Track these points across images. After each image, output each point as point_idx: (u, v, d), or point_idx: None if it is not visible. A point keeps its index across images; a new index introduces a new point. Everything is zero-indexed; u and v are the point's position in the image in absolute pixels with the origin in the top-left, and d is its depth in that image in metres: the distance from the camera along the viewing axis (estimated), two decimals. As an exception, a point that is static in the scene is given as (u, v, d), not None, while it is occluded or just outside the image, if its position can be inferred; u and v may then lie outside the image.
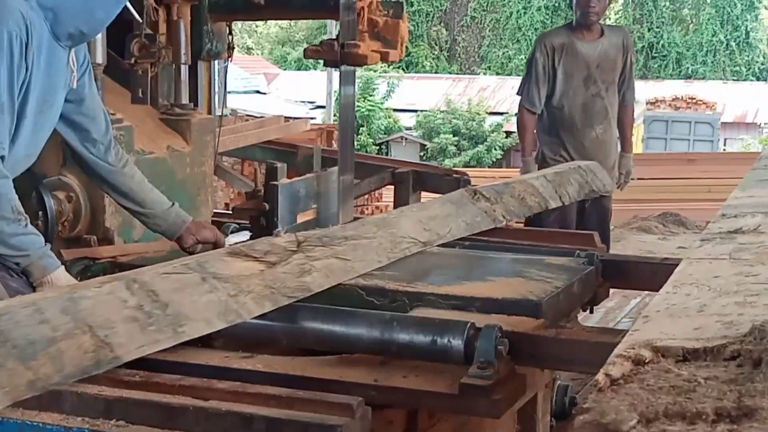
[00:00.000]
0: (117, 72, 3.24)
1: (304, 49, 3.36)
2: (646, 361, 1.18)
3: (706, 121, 21.99)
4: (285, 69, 29.98)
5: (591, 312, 3.00)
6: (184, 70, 3.43)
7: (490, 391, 1.92)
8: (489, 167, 19.89)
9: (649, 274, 2.87)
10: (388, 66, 22.54)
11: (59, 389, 1.85)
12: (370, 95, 23.18)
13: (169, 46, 3.32)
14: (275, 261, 2.20)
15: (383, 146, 22.84)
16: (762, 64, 31.00)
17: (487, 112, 23.21)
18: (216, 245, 2.77)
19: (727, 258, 1.78)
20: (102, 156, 2.73)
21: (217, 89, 4.02)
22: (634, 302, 5.67)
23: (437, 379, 2.01)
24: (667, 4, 31.12)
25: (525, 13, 30.37)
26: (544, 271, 2.65)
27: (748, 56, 30.85)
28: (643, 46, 30.75)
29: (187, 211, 3.33)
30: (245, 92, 22.09)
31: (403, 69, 27.48)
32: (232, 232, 3.21)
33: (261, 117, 8.78)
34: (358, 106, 20.74)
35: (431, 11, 31.30)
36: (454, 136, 22.38)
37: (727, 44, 30.86)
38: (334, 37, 3.28)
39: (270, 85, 25.85)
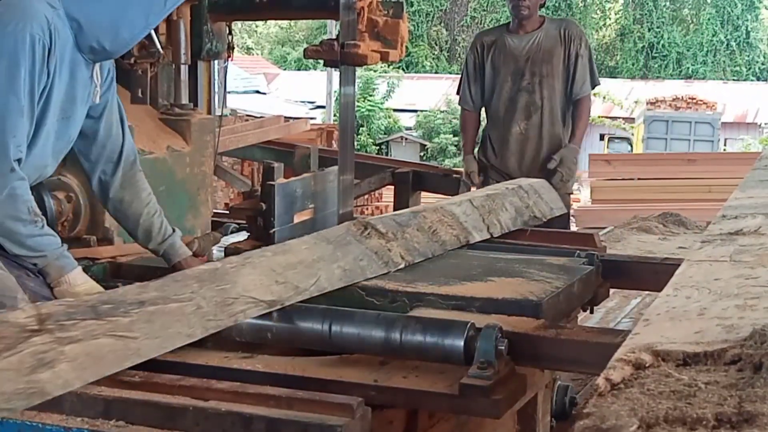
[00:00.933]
0: (117, 72, 3.23)
1: (304, 49, 3.35)
2: (647, 365, 1.17)
3: (707, 121, 21.99)
4: (285, 69, 29.99)
5: (591, 312, 3.00)
6: (184, 70, 3.42)
7: (490, 391, 1.91)
8: (489, 167, 19.87)
9: (650, 275, 2.86)
10: (388, 66, 22.55)
11: (58, 390, 1.85)
12: (370, 95, 23.19)
13: (169, 46, 3.31)
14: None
15: (383, 146, 22.85)
16: (762, 64, 31.01)
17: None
18: None
19: (728, 260, 1.78)
20: (107, 176, 2.70)
21: (216, 89, 4.02)
22: (635, 302, 5.66)
23: (437, 380, 2.01)
24: (668, 4, 31.12)
25: (525, 12, 30.34)
26: (544, 271, 2.65)
27: (748, 56, 30.86)
28: (644, 46, 30.77)
29: (186, 210, 3.34)
30: (245, 92, 22.10)
31: (403, 69, 27.49)
32: (231, 232, 3.21)
33: (261, 117, 8.79)
34: (358, 106, 20.74)
35: (431, 11, 31.31)
36: (454, 136, 22.39)
37: (727, 44, 30.87)
38: (334, 37, 3.28)
39: (270, 85, 25.86)
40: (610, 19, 31.67)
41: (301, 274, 2.28)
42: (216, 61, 3.92)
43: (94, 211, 3.00)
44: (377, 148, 22.30)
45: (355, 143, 4.70)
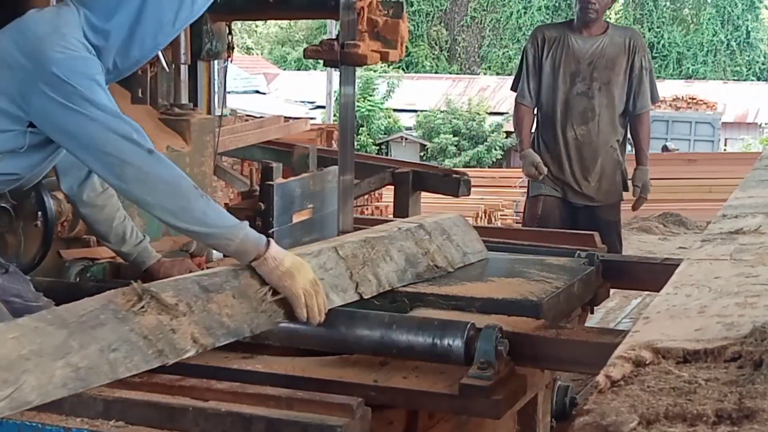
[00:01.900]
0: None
1: (304, 49, 3.35)
2: (647, 362, 1.17)
3: (707, 121, 21.99)
4: (285, 69, 29.99)
5: (591, 312, 3.00)
6: (184, 70, 3.42)
7: (490, 391, 1.91)
8: (489, 167, 19.89)
9: (650, 275, 2.86)
10: (388, 66, 22.55)
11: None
12: (370, 95, 23.19)
13: (169, 46, 3.31)
14: None
15: (383, 146, 22.84)
16: (763, 64, 31.01)
17: (487, 112, 23.21)
18: None
19: (728, 259, 1.78)
20: (80, 180, 2.68)
21: (216, 89, 4.02)
22: (635, 302, 5.67)
23: (437, 380, 2.01)
24: (668, 3, 31.13)
25: (525, 12, 30.37)
26: (545, 272, 2.65)
27: (748, 56, 30.86)
28: (644, 46, 30.73)
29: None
30: (245, 92, 22.10)
31: (403, 69, 27.49)
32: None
33: (261, 117, 8.78)
34: (358, 106, 20.74)
35: (431, 11, 31.31)
36: (454, 136, 22.39)
37: (727, 44, 30.87)
38: (334, 37, 3.28)
39: (270, 85, 25.86)
40: (610, 18, 31.61)
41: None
42: (216, 61, 3.92)
43: (93, 212, 3.00)
44: (377, 148, 22.30)
45: (355, 143, 4.69)
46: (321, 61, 3.36)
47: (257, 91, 23.74)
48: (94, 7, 2.36)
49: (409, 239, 2.61)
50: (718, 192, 10.03)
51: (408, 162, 6.06)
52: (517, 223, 10.26)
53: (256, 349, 2.21)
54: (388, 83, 24.26)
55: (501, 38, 30.94)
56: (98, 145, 2.24)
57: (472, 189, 5.54)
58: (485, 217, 10.37)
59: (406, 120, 23.99)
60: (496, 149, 22.00)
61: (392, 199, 5.33)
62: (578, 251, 2.92)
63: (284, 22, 30.02)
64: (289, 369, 2.06)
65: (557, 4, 29.77)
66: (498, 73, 29.04)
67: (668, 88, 24.12)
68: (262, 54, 32.45)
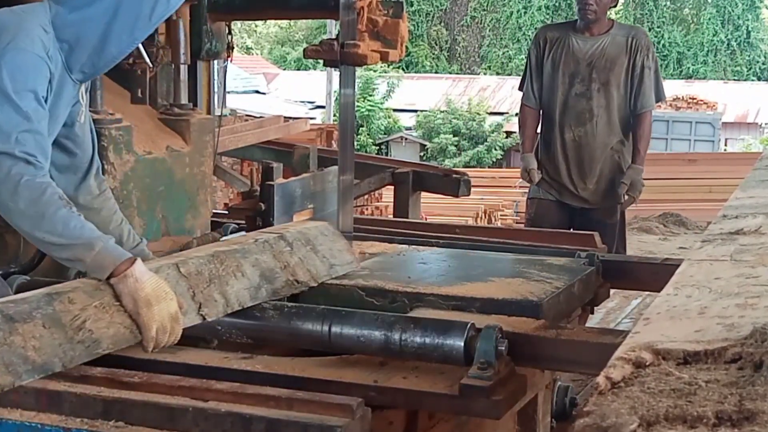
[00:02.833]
0: (116, 72, 3.22)
1: (304, 49, 3.35)
2: (647, 363, 1.17)
3: (707, 121, 21.99)
4: (284, 69, 29.99)
5: (591, 312, 2.99)
6: (184, 70, 3.42)
7: (490, 391, 1.91)
8: (489, 167, 19.89)
9: (650, 275, 2.86)
10: (388, 66, 22.55)
11: (57, 390, 1.85)
12: (370, 95, 23.19)
13: (168, 45, 3.31)
14: None
15: (383, 146, 22.84)
16: (763, 63, 31.01)
17: (487, 112, 23.21)
18: None
19: (728, 259, 1.78)
20: (77, 183, 2.67)
21: (216, 89, 4.01)
22: (635, 303, 5.67)
23: (437, 380, 2.01)
24: (668, 3, 31.13)
25: (525, 12, 30.38)
26: (545, 272, 2.65)
27: (749, 56, 30.86)
28: (644, 46, 30.72)
29: (186, 211, 3.33)
30: (245, 92, 22.10)
31: (403, 69, 27.49)
32: (231, 232, 3.20)
33: (260, 117, 8.78)
34: (358, 106, 20.74)
35: (431, 11, 31.31)
36: (454, 136, 22.38)
37: (728, 44, 30.87)
38: (333, 36, 3.28)
39: (269, 85, 25.86)
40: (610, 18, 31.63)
41: None
42: (215, 61, 3.92)
43: (93, 212, 2.99)
44: (377, 148, 22.30)
45: (355, 143, 4.68)
46: (321, 61, 3.36)
47: (257, 91, 23.74)
48: (67, 1, 2.37)
49: (266, 252, 2.38)
50: (719, 192, 10.04)
51: (408, 162, 6.06)
52: (517, 223, 10.26)
53: (256, 350, 2.21)
54: (388, 83, 24.27)
55: (501, 38, 30.95)
56: None
57: (472, 189, 5.54)
58: (485, 217, 10.37)
59: (406, 120, 23.99)
60: (496, 149, 22.00)
61: (392, 199, 5.33)
62: (578, 251, 2.92)
63: (284, 22, 30.03)
64: (288, 369, 2.06)
65: (557, 4, 29.77)
66: (498, 73, 29.04)
67: (668, 88, 24.01)
68: (261, 54, 32.45)
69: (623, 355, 1.19)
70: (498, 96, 24.63)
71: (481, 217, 10.25)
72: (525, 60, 5.15)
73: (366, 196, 8.10)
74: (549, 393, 2.74)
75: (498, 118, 22.71)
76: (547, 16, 29.43)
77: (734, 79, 29.01)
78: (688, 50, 30.83)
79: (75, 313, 1.91)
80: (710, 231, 2.10)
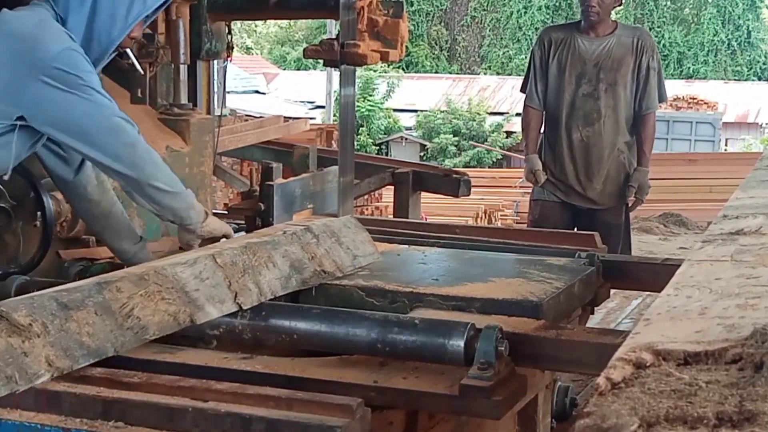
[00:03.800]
0: (116, 72, 3.23)
1: (304, 49, 3.35)
2: (647, 364, 1.17)
3: (708, 121, 21.99)
4: (284, 69, 29.99)
5: (592, 313, 2.99)
6: (183, 70, 3.42)
7: (490, 392, 1.91)
8: (489, 168, 19.89)
9: (650, 275, 2.86)
10: (388, 66, 22.55)
11: (57, 390, 1.85)
12: (370, 95, 23.19)
13: (168, 45, 3.31)
14: None
15: (383, 146, 22.84)
16: (764, 63, 31.00)
17: (487, 112, 23.22)
18: None
19: (729, 260, 1.77)
20: (71, 173, 2.69)
21: (216, 89, 4.01)
22: (635, 303, 5.67)
23: (437, 380, 2.01)
24: (668, 3, 31.13)
25: (525, 12, 30.37)
26: (545, 272, 2.65)
27: (749, 56, 30.86)
28: (644, 46, 30.71)
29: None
30: (244, 92, 22.09)
31: (403, 69, 27.49)
32: (231, 232, 3.20)
33: (260, 117, 8.78)
34: (358, 106, 20.74)
35: (431, 11, 31.31)
36: (454, 136, 22.38)
37: (728, 44, 30.87)
38: (333, 36, 3.27)
39: (269, 85, 25.85)
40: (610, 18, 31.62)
41: None
42: (215, 61, 3.91)
43: (93, 212, 2.99)
44: (377, 148, 22.30)
45: (355, 143, 4.67)
46: (321, 61, 3.36)
47: (257, 91, 23.74)
48: (58, 4, 2.42)
49: (294, 243, 2.48)
50: (719, 192, 10.04)
51: (408, 162, 6.06)
52: (517, 223, 10.26)
53: (256, 350, 2.20)
54: (388, 83, 24.27)
55: (501, 38, 30.94)
56: (107, 130, 2.39)
57: (472, 189, 5.53)
58: (485, 217, 10.37)
59: (406, 120, 23.99)
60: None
61: (392, 200, 5.33)
62: (579, 251, 2.92)
63: (284, 22, 30.03)
64: (288, 369, 2.06)
65: (558, 4, 29.77)
66: (498, 73, 29.04)
67: (669, 88, 23.98)
68: (261, 54, 32.45)
69: (623, 356, 1.18)
70: (498, 96, 24.63)
71: (481, 217, 10.25)
72: (528, 61, 5.11)
73: (366, 196, 8.10)
74: (549, 393, 2.73)
75: (498, 118, 22.71)
76: (548, 16, 29.43)
77: (735, 79, 29.00)
78: (689, 50, 30.82)
79: (123, 301, 2.00)
80: (710, 231, 2.10)
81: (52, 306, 1.89)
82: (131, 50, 2.73)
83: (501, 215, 10.80)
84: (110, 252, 2.84)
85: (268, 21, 24.50)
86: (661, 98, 4.97)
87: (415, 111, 24.06)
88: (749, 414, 1.02)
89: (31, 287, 2.44)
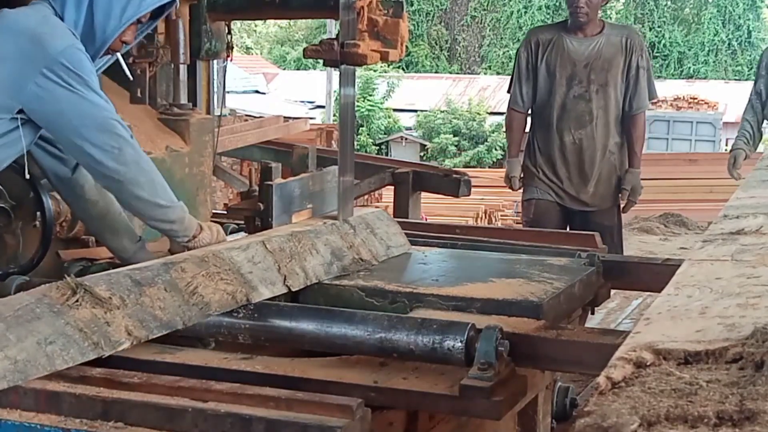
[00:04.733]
0: (115, 72, 3.23)
1: (304, 49, 3.34)
2: (648, 363, 1.17)
3: (708, 121, 21.96)
4: (284, 69, 29.99)
5: (592, 313, 2.99)
6: (183, 70, 3.42)
7: (490, 392, 1.91)
8: (489, 167, 19.88)
9: (651, 275, 2.86)
10: (388, 66, 22.56)
11: (56, 390, 1.84)
12: (370, 95, 23.20)
13: (168, 45, 3.30)
14: None
15: (383, 146, 22.84)
16: (763, 63, 30.95)
17: (487, 112, 23.21)
18: None
19: (729, 259, 1.77)
20: (68, 172, 2.69)
21: (215, 89, 4.01)
22: (636, 303, 5.66)
23: (437, 381, 2.01)
24: (669, 3, 31.13)
25: (526, 12, 30.36)
26: (545, 272, 2.65)
27: (750, 56, 30.83)
28: (644, 46, 30.72)
29: (186, 211, 3.32)
30: (244, 92, 22.09)
31: (403, 69, 27.50)
32: (231, 232, 3.19)
33: (260, 117, 8.78)
34: (358, 106, 20.75)
35: (431, 10, 31.31)
36: (454, 136, 22.38)
37: (728, 44, 30.87)
38: (333, 36, 3.27)
39: (269, 84, 25.85)
40: (611, 18, 31.65)
41: None
42: (215, 61, 3.91)
43: (92, 212, 2.99)
44: (377, 148, 22.30)
45: (355, 143, 4.66)
46: (321, 61, 3.35)
47: (257, 91, 23.74)
48: (56, 1, 2.46)
49: (334, 233, 2.67)
50: (719, 192, 10.02)
51: (408, 162, 6.06)
52: (517, 223, 10.25)
53: (256, 350, 2.20)
54: (388, 83, 24.27)
55: (501, 38, 30.93)
56: (101, 128, 2.40)
57: (473, 189, 5.53)
58: (485, 217, 10.36)
59: (406, 120, 23.99)
60: (496, 149, 21.99)
61: (392, 199, 5.32)
62: (579, 252, 2.92)
63: (284, 22, 30.04)
64: (288, 370, 2.06)
65: (558, 4, 29.75)
66: (498, 73, 29.02)
67: (669, 87, 24.11)
68: (261, 54, 32.45)
69: (624, 355, 1.18)
70: (498, 96, 24.60)
71: (482, 218, 10.24)
72: (513, 63, 5.05)
73: (366, 196, 8.10)
74: (549, 393, 2.73)
75: (498, 118, 22.64)
76: (548, 16, 29.41)
77: (735, 79, 28.97)
78: (689, 50, 30.81)
79: (188, 280, 2.18)
80: (711, 231, 2.09)
81: (127, 282, 2.07)
82: (122, 56, 2.75)
83: (501, 215, 10.79)
84: (109, 252, 2.84)
85: (268, 21, 24.53)
86: (651, 96, 4.92)
87: (415, 111, 24.07)
88: (750, 413, 1.02)
89: (31, 287, 2.44)
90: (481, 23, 31.30)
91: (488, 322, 2.04)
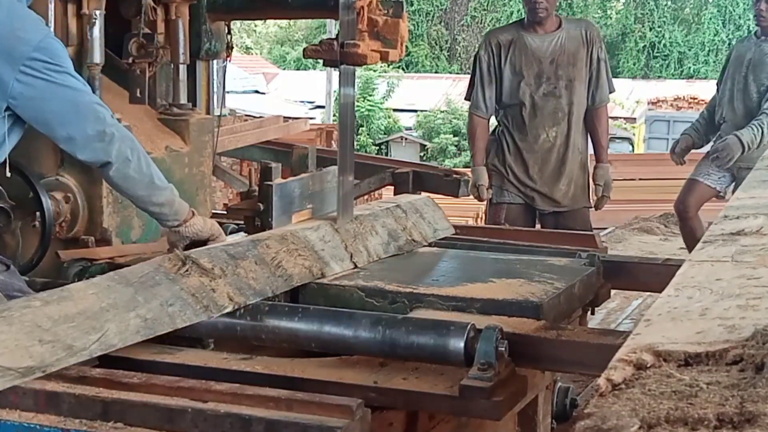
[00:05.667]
0: (115, 72, 3.23)
1: (304, 49, 3.33)
2: (648, 365, 1.17)
3: (708, 121, 21.93)
4: (284, 69, 30.00)
5: (592, 313, 2.99)
6: (183, 70, 3.41)
7: (490, 392, 1.91)
8: (489, 167, 19.85)
9: (651, 275, 2.85)
10: (388, 66, 22.56)
11: (56, 391, 1.84)
12: (370, 95, 23.20)
13: (168, 45, 3.30)
14: None
15: (383, 146, 22.84)
16: (763, 64, 30.97)
17: (487, 112, 23.18)
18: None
19: (730, 260, 1.77)
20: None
21: (215, 89, 4.00)
22: (636, 303, 5.66)
23: (437, 381, 2.01)
24: (669, 3, 31.14)
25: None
26: (545, 272, 2.65)
27: (749, 56, 30.84)
28: (645, 46, 30.76)
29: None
30: (244, 92, 22.10)
31: (403, 69, 27.50)
32: (231, 233, 3.19)
33: (260, 117, 8.78)
34: (358, 106, 20.74)
35: (431, 10, 31.32)
36: (454, 136, 22.38)
37: (729, 44, 30.82)
38: (333, 36, 3.27)
39: (269, 84, 25.86)
40: (611, 18, 31.67)
41: (79, 329, 1.92)
42: (215, 61, 3.90)
43: (92, 212, 2.99)
44: (377, 148, 22.30)
45: (355, 143, 4.65)
46: (320, 61, 3.35)
47: (256, 91, 23.74)
48: None
49: (389, 216, 2.94)
50: (719, 192, 10.00)
51: (408, 162, 6.05)
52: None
53: (255, 350, 2.20)
54: (388, 83, 24.28)
55: (501, 38, 30.91)
56: (84, 113, 2.47)
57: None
58: (485, 217, 10.35)
59: (406, 120, 24.00)
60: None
61: (392, 200, 5.31)
62: (579, 252, 2.91)
63: (283, 22, 30.04)
64: (288, 370, 2.06)
65: (558, 4, 29.77)
66: (498, 73, 28.98)
67: (669, 87, 24.13)
68: (261, 54, 32.45)
69: (624, 357, 1.18)
70: (498, 96, 24.60)
71: (482, 218, 10.24)
72: (473, 67, 4.95)
73: (366, 196, 8.09)
74: (549, 394, 2.73)
75: (498, 118, 22.68)
76: (548, 16, 29.39)
77: (735, 79, 28.98)
78: (689, 50, 30.83)
79: (272, 255, 2.43)
80: (711, 232, 2.09)
81: (224, 256, 2.32)
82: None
83: (501, 215, 10.77)
84: (110, 253, 2.85)
85: (268, 21, 24.51)
86: (611, 89, 4.88)
87: (415, 111, 24.07)
88: (750, 415, 1.02)
89: (30, 287, 2.45)
90: (481, 23, 31.30)
91: (488, 323, 2.04)
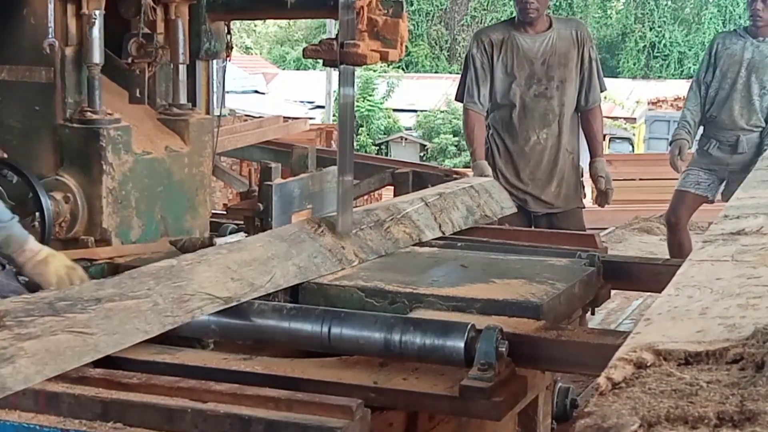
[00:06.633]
0: (115, 72, 3.23)
1: (303, 49, 3.33)
2: (648, 364, 1.16)
3: (708, 121, 21.91)
4: (284, 69, 29.98)
5: (592, 313, 2.99)
6: (182, 70, 3.41)
7: (490, 393, 1.91)
8: (489, 167, 19.85)
9: (651, 276, 2.85)
10: (388, 66, 22.55)
11: (55, 391, 1.84)
12: (370, 95, 23.20)
13: (167, 45, 3.30)
14: None
15: (383, 146, 22.84)
16: (763, 63, 30.95)
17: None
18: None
19: (730, 260, 1.77)
20: None
21: (215, 89, 4.00)
22: (636, 303, 5.65)
23: (437, 381, 2.00)
24: (669, 3, 31.13)
25: (525, 12, 30.34)
26: (545, 273, 2.64)
27: (749, 56, 30.82)
28: (645, 46, 30.75)
29: (185, 211, 3.32)
30: (244, 92, 22.09)
31: (402, 69, 27.49)
32: (230, 233, 3.19)
33: (260, 117, 8.78)
34: (358, 106, 20.75)
35: (431, 10, 31.31)
36: (454, 136, 22.38)
37: (728, 44, 30.85)
38: (333, 36, 3.26)
39: (269, 84, 25.85)
40: (611, 18, 31.67)
41: (256, 271, 2.33)
42: (214, 61, 3.90)
43: (92, 212, 2.99)
44: (377, 148, 22.30)
45: (355, 143, 4.65)
46: (320, 61, 3.35)
47: (256, 91, 23.74)
48: None
49: (466, 195, 3.37)
50: (719, 192, 10.00)
51: (408, 162, 6.05)
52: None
53: (255, 351, 2.20)
54: (387, 83, 24.27)
55: (501, 38, 30.91)
56: None
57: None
58: (485, 217, 10.34)
59: (406, 120, 23.99)
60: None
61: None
62: (579, 252, 2.91)
63: (283, 22, 30.03)
64: (288, 370, 2.05)
65: (558, 4, 29.76)
66: (498, 73, 28.99)
67: (670, 87, 24.10)
68: (261, 54, 32.45)
69: (624, 356, 1.18)
70: (498, 96, 24.60)
71: (482, 217, 10.23)
72: (465, 65, 4.90)
73: (366, 197, 8.09)
74: (549, 394, 2.73)
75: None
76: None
77: (735, 79, 28.96)
78: (690, 50, 30.80)
79: (381, 222, 2.86)
80: (711, 231, 2.09)
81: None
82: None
83: (501, 215, 10.77)
84: (109, 253, 2.84)
85: (268, 21, 24.51)
86: (602, 89, 4.87)
87: (415, 111, 24.06)
88: (750, 414, 1.02)
89: (28, 287, 2.44)
90: (481, 23, 31.27)
91: (488, 323, 2.04)
